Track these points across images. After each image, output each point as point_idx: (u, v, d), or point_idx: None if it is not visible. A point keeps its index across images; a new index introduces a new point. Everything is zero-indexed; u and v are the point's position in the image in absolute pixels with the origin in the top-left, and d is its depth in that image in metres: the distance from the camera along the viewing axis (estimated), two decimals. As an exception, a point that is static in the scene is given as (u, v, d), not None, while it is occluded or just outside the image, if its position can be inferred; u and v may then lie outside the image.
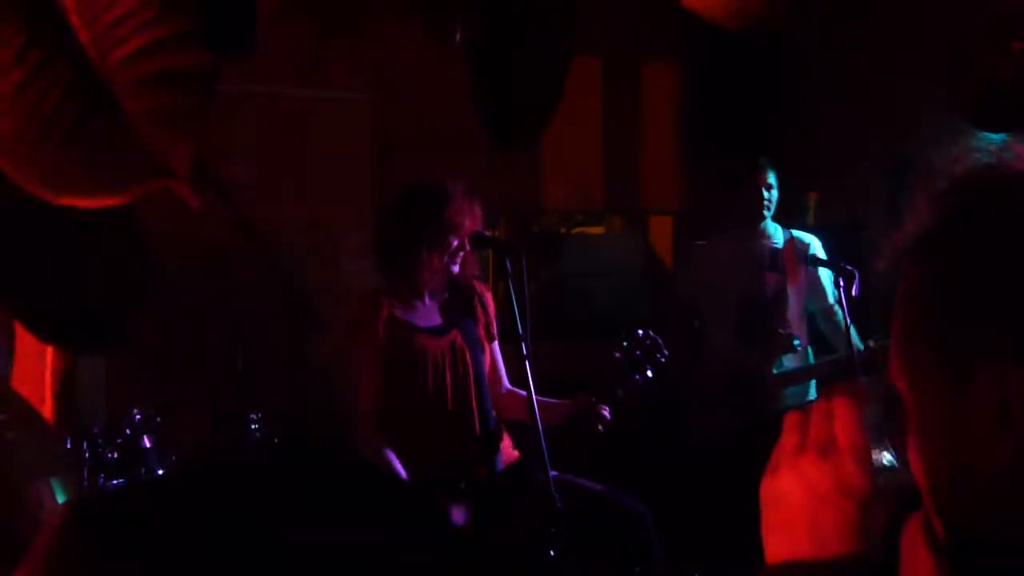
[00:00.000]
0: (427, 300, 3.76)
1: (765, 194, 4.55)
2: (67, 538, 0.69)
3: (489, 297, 3.88)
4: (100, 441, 3.48)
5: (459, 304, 3.83)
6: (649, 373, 3.66)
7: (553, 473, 3.44)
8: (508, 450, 3.83)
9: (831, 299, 4.60)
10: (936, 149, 1.05)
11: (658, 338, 3.67)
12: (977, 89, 4.44)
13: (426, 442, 3.66)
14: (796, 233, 4.67)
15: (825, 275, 4.62)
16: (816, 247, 4.64)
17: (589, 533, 3.56)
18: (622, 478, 3.92)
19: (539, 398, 3.40)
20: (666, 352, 3.65)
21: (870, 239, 4.73)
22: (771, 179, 4.57)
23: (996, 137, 1.04)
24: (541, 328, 4.34)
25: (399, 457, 3.58)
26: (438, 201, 3.64)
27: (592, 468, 3.89)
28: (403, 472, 3.55)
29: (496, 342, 3.93)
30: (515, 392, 3.93)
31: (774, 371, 4.52)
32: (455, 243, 3.65)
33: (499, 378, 3.97)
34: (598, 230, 6.23)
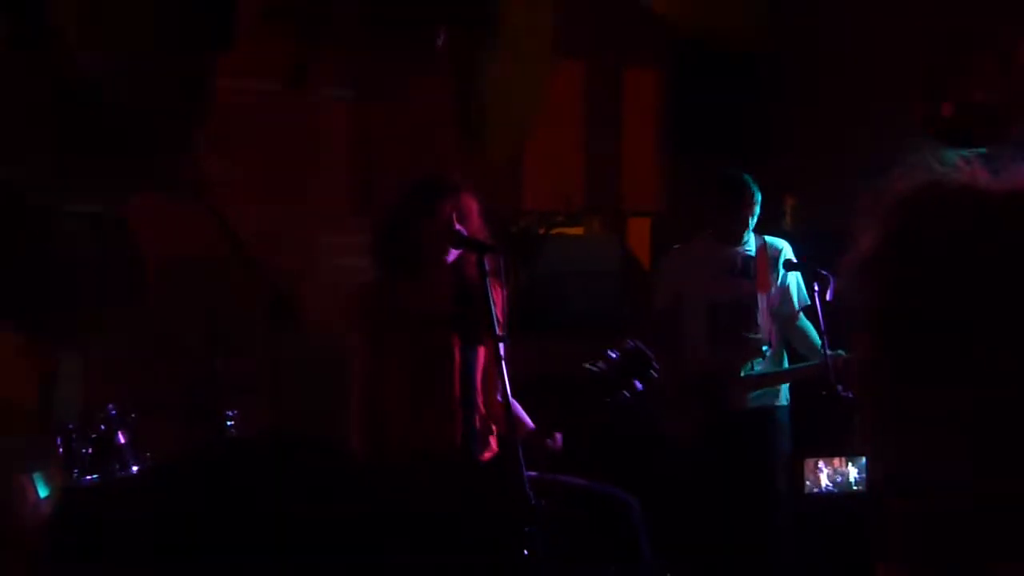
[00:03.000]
0: (433, 292, 3.76)
1: (750, 219, 4.60)
2: (55, 533, 0.70)
3: (498, 295, 3.61)
4: (74, 436, 3.46)
5: (463, 297, 3.82)
6: (638, 385, 3.47)
7: (532, 473, 3.45)
8: (493, 447, 3.84)
9: (797, 306, 4.66)
10: (890, 165, 1.06)
11: (646, 349, 3.50)
12: (948, 106, 4.49)
13: (411, 430, 3.68)
14: (769, 239, 4.71)
15: (794, 282, 4.68)
16: (788, 252, 4.68)
17: (571, 528, 3.57)
18: (594, 476, 3.94)
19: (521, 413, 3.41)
20: (656, 365, 3.48)
21: (847, 245, 4.76)
22: (756, 201, 4.59)
23: (963, 152, 1.05)
24: (519, 327, 4.35)
25: (385, 440, 3.61)
26: (438, 193, 3.67)
27: (563, 467, 3.91)
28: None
29: (501, 344, 3.59)
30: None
31: (743, 374, 4.59)
32: (448, 238, 3.66)
33: (493, 382, 3.79)
34: (577, 231, 6.24)
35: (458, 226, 3.65)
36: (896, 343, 1.01)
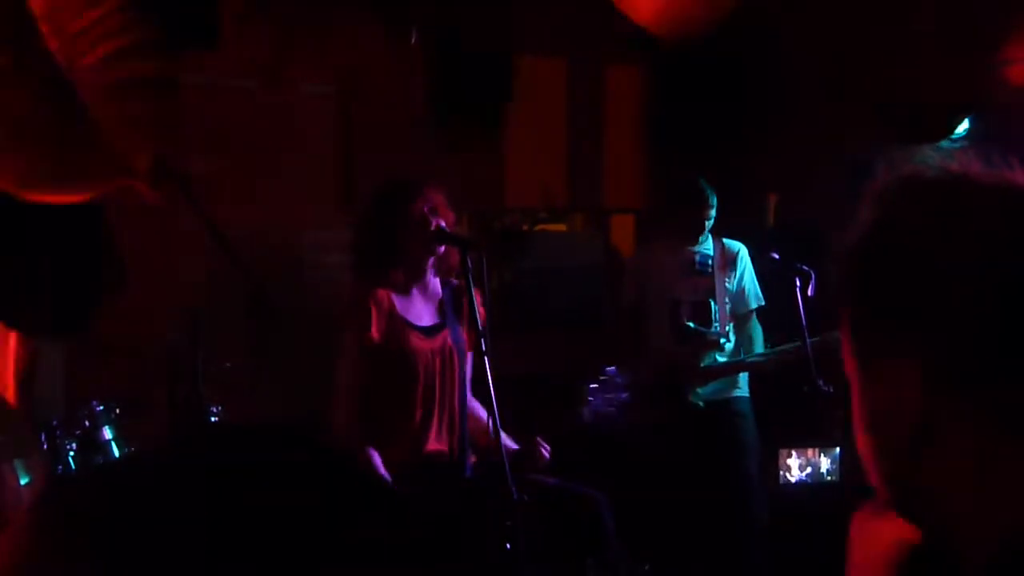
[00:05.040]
0: (419, 296, 3.77)
1: (706, 222, 4.78)
2: (42, 517, 0.72)
3: (479, 300, 3.67)
4: (59, 432, 3.46)
5: (450, 304, 3.84)
6: (612, 409, 4.06)
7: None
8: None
9: (753, 305, 4.83)
10: (885, 156, 1.07)
11: (623, 379, 4.08)
12: (900, 104, 4.55)
13: (403, 437, 3.69)
14: (726, 241, 4.88)
15: (750, 283, 4.84)
16: (743, 253, 4.86)
17: (545, 524, 3.60)
18: (567, 471, 3.99)
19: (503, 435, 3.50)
20: (627, 393, 4.07)
21: (829, 241, 4.81)
22: (712, 205, 4.76)
23: (944, 146, 1.07)
24: (503, 323, 4.37)
25: (375, 448, 3.61)
26: (409, 194, 3.68)
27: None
28: (380, 463, 3.59)
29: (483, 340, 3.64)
30: (475, 410, 3.92)
31: (704, 364, 4.73)
32: (429, 235, 3.67)
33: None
34: (560, 228, 6.26)
35: (439, 223, 3.67)
36: (869, 330, 1.03)
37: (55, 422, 3.47)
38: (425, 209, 3.67)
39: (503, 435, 3.74)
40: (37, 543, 0.71)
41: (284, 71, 4.99)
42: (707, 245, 4.85)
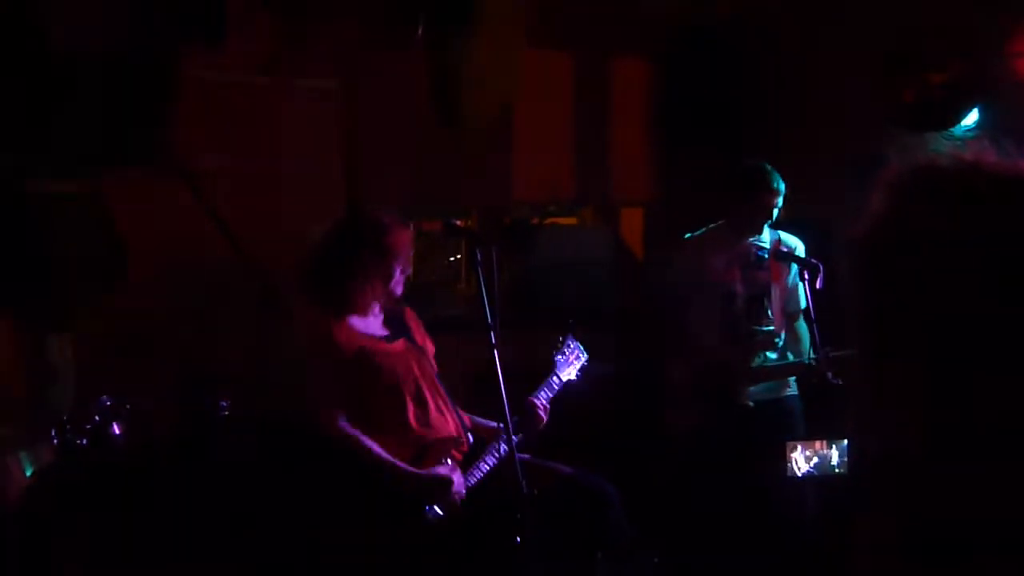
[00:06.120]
0: (371, 315, 3.85)
1: (774, 210, 4.53)
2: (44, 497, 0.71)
3: (414, 315, 4.03)
4: (69, 428, 3.48)
5: (393, 322, 3.92)
6: (578, 375, 4.09)
7: (525, 456, 3.50)
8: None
9: (803, 305, 4.56)
10: (896, 146, 1.06)
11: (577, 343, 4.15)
12: (911, 94, 4.55)
13: (401, 433, 3.70)
14: (783, 235, 4.66)
15: (802, 283, 4.53)
16: (800, 250, 4.62)
17: (557, 515, 3.62)
18: (597, 465, 3.99)
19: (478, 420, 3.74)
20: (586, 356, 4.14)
21: (838, 235, 4.77)
22: (781, 192, 4.52)
23: (956, 135, 1.05)
24: (512, 317, 4.36)
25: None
26: (377, 231, 3.74)
27: (568, 456, 3.98)
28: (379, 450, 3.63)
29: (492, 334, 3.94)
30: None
31: (754, 365, 4.56)
32: (396, 269, 3.74)
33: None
34: (569, 221, 6.25)
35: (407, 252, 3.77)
36: (880, 324, 1.03)
37: (65, 417, 3.49)
38: (392, 243, 3.76)
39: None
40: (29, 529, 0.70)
41: (288, 66, 4.99)
42: (763, 238, 4.60)
